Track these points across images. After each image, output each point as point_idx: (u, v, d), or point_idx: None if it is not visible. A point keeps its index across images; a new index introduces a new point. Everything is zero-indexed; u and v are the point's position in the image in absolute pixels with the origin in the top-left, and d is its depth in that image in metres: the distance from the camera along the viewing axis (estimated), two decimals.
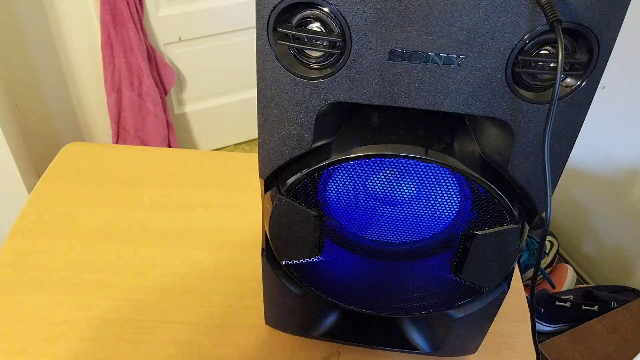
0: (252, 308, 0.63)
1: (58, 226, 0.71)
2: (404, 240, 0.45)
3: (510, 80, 0.35)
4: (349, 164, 0.40)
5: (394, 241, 0.46)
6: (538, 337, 0.76)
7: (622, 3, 0.32)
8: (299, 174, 0.41)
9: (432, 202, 0.42)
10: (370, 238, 0.46)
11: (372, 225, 0.44)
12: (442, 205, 0.42)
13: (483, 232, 0.42)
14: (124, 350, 0.58)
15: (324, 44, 0.35)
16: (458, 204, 0.42)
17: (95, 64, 1.49)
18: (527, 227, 0.43)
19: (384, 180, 0.41)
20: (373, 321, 0.58)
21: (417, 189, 0.41)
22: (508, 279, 0.49)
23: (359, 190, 0.42)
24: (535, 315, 0.49)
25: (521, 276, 0.71)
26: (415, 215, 0.43)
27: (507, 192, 0.40)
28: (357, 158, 0.39)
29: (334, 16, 0.34)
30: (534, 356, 0.59)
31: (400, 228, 0.44)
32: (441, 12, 0.33)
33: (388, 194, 0.42)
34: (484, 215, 0.41)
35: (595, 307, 1.14)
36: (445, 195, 0.41)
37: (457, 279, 0.46)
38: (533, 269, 1.24)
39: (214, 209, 0.75)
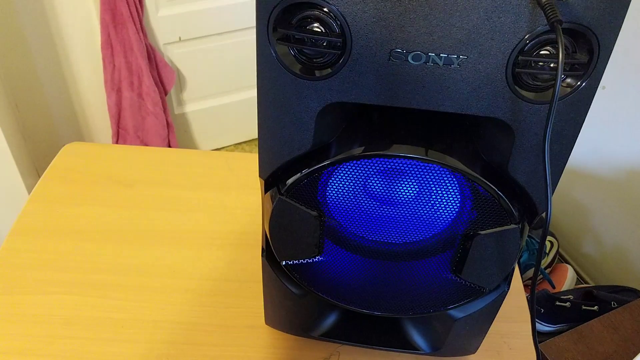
0: (252, 308, 0.63)
1: (58, 226, 0.71)
2: (404, 241, 0.45)
3: (510, 81, 0.35)
4: (349, 164, 0.40)
5: (394, 241, 0.46)
6: (538, 337, 0.75)
7: (622, 3, 0.32)
8: (299, 174, 0.41)
9: (432, 202, 0.42)
10: (370, 238, 0.46)
11: (372, 225, 0.44)
12: (442, 206, 0.42)
13: (483, 232, 0.42)
14: (124, 350, 0.58)
15: (324, 44, 0.35)
16: (458, 204, 0.42)
17: (95, 64, 1.49)
18: (527, 227, 0.43)
19: (384, 180, 0.41)
20: (373, 321, 0.58)
21: (417, 189, 0.41)
22: (508, 279, 0.49)
23: (359, 190, 0.42)
24: (535, 315, 0.49)
25: (521, 276, 0.71)
26: (415, 216, 0.43)
27: (507, 192, 0.40)
28: (357, 158, 0.39)
29: (334, 16, 0.34)
30: (534, 356, 0.59)
31: (400, 228, 0.44)
32: (441, 12, 0.33)
33: (388, 194, 0.42)
34: (484, 215, 0.41)
35: (595, 307, 1.14)
36: (445, 195, 0.41)
37: (457, 279, 0.46)
38: (533, 269, 1.24)
39: (213, 209, 0.75)
